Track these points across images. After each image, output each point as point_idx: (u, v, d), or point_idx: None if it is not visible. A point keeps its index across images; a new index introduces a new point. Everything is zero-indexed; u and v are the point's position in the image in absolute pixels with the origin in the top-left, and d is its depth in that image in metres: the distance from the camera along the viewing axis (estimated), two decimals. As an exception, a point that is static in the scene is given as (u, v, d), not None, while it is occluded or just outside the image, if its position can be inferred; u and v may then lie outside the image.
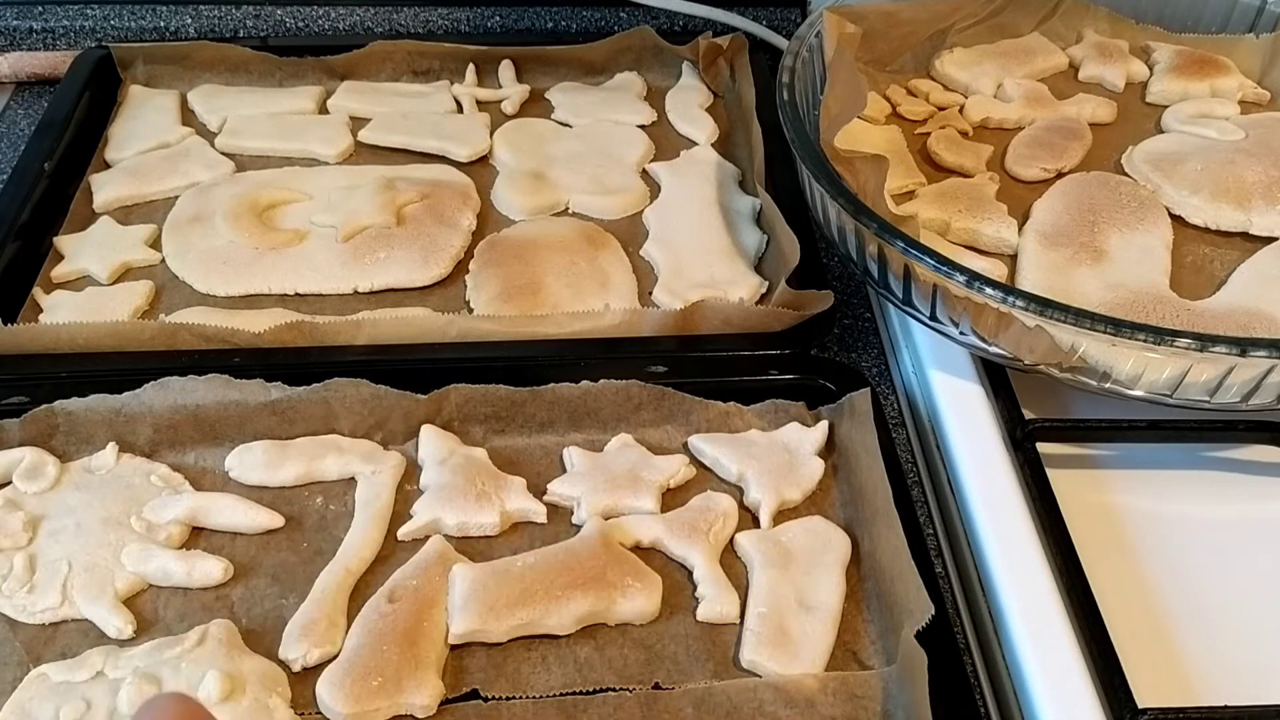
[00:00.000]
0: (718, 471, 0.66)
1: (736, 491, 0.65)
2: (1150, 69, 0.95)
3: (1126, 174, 0.83)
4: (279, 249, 0.78)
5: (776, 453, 0.66)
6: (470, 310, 0.75)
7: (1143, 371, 0.62)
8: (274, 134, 0.90)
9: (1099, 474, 0.68)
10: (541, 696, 0.54)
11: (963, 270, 0.63)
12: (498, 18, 1.04)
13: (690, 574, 0.60)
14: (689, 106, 0.95)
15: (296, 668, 0.55)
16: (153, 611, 0.58)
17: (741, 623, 0.58)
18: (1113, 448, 0.70)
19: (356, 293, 0.77)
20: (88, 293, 0.75)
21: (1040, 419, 0.67)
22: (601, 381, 0.67)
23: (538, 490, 0.64)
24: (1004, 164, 0.84)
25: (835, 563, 0.61)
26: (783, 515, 0.63)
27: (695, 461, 0.66)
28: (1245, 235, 0.79)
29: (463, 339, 0.70)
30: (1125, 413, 0.67)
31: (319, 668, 0.55)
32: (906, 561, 0.56)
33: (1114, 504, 0.67)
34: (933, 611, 0.54)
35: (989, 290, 0.62)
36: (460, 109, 0.94)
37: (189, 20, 1.02)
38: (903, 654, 0.54)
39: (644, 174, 0.88)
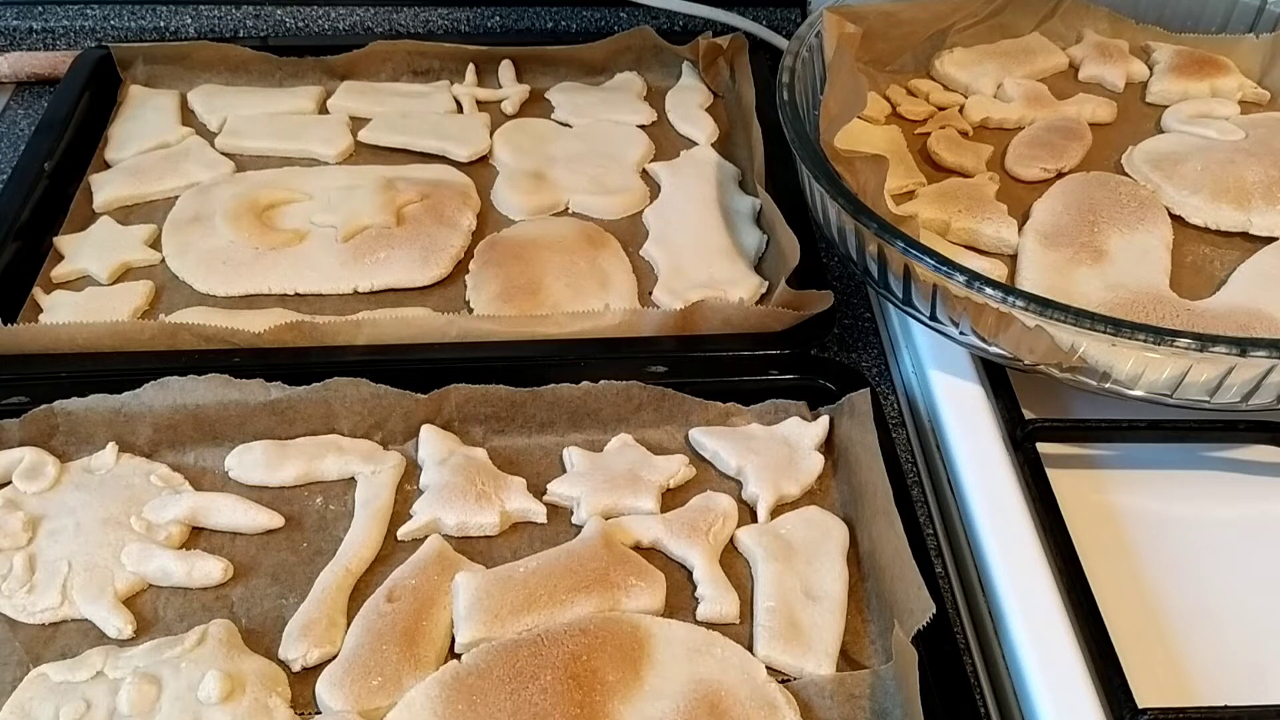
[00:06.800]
0: (717, 465, 0.66)
1: (735, 486, 0.65)
2: (1150, 69, 0.95)
3: (1126, 174, 0.83)
4: (279, 249, 0.78)
5: (776, 447, 0.66)
6: (470, 310, 0.75)
7: (1143, 371, 0.62)
8: (274, 134, 0.90)
9: (1099, 474, 0.68)
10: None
11: (963, 270, 0.63)
12: (498, 18, 1.04)
13: (690, 574, 0.60)
14: (689, 106, 0.95)
15: (296, 667, 0.55)
16: (153, 611, 0.58)
17: (750, 619, 0.58)
18: (1113, 448, 0.70)
19: (356, 293, 0.77)
20: (88, 293, 0.75)
21: (1040, 419, 0.67)
22: (601, 382, 0.67)
23: (538, 490, 0.64)
24: (1004, 164, 0.84)
25: (836, 550, 0.61)
26: (780, 510, 0.63)
27: (695, 455, 0.67)
28: (1245, 235, 0.79)
29: (463, 339, 0.70)
30: (1125, 413, 0.67)
31: (319, 667, 0.55)
32: (907, 561, 0.56)
33: (1114, 504, 0.67)
34: (933, 611, 0.54)
35: (989, 290, 0.62)
36: (460, 109, 0.94)
37: (189, 20, 1.02)
38: (895, 652, 0.54)
39: (644, 174, 0.88)
